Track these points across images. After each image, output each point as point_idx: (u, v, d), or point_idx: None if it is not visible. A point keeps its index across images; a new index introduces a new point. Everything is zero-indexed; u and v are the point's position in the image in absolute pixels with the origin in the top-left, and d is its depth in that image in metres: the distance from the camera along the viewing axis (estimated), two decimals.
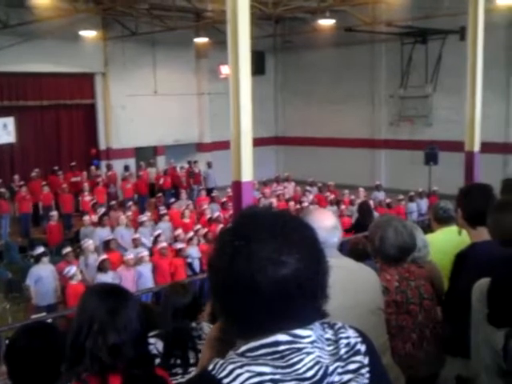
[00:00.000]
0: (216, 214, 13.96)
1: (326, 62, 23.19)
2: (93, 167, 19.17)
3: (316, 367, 1.19)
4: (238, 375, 1.16)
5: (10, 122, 16.55)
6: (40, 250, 10.42)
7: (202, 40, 20.32)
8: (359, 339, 1.30)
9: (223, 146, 17.15)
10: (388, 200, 15.78)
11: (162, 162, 21.84)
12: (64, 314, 8.39)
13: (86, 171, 18.64)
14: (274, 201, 15.63)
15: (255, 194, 14.08)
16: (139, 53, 20.25)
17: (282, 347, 1.19)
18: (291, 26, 23.30)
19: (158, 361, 3.03)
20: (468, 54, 10.96)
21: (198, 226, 12.85)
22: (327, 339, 1.26)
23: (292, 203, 15.63)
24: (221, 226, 12.72)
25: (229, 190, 13.79)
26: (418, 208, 16.08)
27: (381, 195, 16.92)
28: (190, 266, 11.58)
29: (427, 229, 5.74)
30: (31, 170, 17.60)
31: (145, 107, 20.64)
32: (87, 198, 16.14)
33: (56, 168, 18.21)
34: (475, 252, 3.00)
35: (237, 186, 7.55)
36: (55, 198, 16.48)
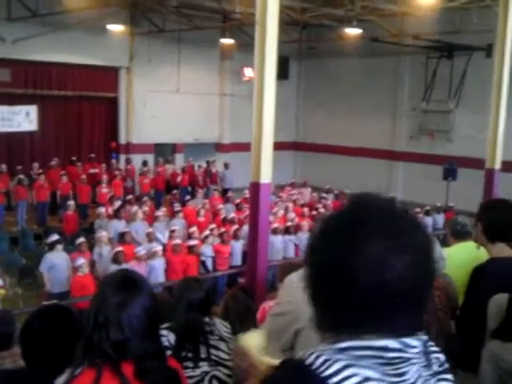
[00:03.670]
0: (231, 215, 13.98)
1: (350, 71, 23.14)
2: (114, 160, 19.30)
3: (420, 380, 1.13)
4: (347, 378, 1.08)
5: (32, 110, 16.66)
6: (54, 237, 10.46)
7: (227, 41, 20.39)
8: (444, 356, 1.23)
9: (242, 147, 17.21)
10: None
11: (180, 159, 21.86)
12: (73, 302, 8.43)
13: (104, 163, 18.73)
14: (290, 205, 15.61)
15: (272, 198, 14.08)
16: (164, 50, 20.32)
17: (391, 354, 1.11)
18: (317, 32, 23.25)
19: (169, 353, 3.03)
20: (494, 72, 10.88)
21: (213, 226, 12.86)
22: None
23: (307, 209, 15.60)
24: (235, 226, 12.75)
25: (245, 191, 13.79)
26: (434, 223, 15.98)
27: None
28: (203, 264, 11.63)
29: (443, 244, 5.72)
30: (51, 159, 17.73)
31: (167, 104, 20.73)
32: (104, 190, 16.23)
33: (74, 159, 18.32)
34: (494, 267, 2.99)
35: (255, 186, 7.55)
36: (73, 188, 16.58)
